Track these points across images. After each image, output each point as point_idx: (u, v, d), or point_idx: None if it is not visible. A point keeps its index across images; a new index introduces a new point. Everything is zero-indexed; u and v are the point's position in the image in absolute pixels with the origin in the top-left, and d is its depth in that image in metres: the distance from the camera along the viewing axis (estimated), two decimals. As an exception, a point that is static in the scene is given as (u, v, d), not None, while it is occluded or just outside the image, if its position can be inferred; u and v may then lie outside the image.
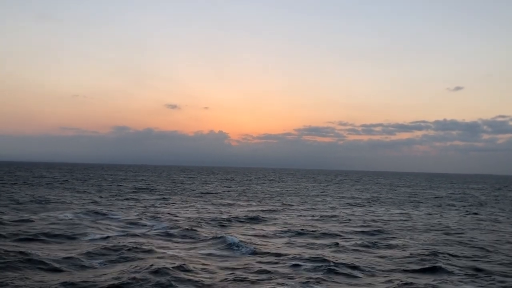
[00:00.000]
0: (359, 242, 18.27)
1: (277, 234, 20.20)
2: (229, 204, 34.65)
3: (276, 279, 12.32)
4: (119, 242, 16.38)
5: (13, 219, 21.40)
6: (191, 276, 12.28)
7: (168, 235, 18.82)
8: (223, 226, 22.33)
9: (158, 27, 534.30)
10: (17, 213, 24.34)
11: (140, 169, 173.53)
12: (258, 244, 17.16)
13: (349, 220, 26.14)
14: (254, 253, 15.74)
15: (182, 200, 36.82)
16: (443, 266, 14.20)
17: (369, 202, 41.11)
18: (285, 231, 20.89)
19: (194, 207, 31.45)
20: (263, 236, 19.67)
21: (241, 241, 17.29)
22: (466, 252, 17.05)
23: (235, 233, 19.36)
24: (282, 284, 11.75)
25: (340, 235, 20.17)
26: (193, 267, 13.28)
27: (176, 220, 23.27)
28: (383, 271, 13.78)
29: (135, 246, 15.71)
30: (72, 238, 17.61)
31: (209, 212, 28.12)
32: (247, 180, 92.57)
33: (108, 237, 17.79)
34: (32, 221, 21.12)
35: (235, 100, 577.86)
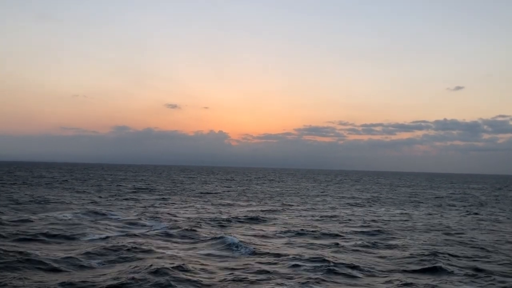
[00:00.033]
0: (359, 242, 18.23)
1: (276, 234, 20.16)
2: (229, 204, 34.62)
3: (275, 279, 12.28)
4: (118, 242, 16.34)
5: (12, 219, 21.38)
6: (190, 276, 12.25)
7: (167, 235, 18.78)
8: (222, 226, 22.29)
9: (158, 27, 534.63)
10: (16, 213, 24.31)
11: (140, 169, 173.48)
12: (257, 244, 17.12)
13: (349, 220, 26.10)
14: (253, 253, 15.70)
15: (182, 200, 36.79)
16: (443, 266, 14.17)
17: (369, 202, 41.07)
18: (285, 231, 20.86)
19: (193, 207, 31.42)
20: (263, 236, 19.64)
21: (240, 241, 17.25)
22: (466, 252, 17.02)
23: (235, 233, 19.32)
24: (282, 284, 11.71)
25: (340, 235, 20.13)
26: (192, 267, 13.24)
27: (176, 220, 23.24)
28: (383, 271, 13.74)
29: (134, 246, 15.67)
30: (71, 238, 17.58)
31: (209, 212, 28.08)
32: (247, 180, 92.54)
33: (107, 237, 17.75)
34: (31, 221, 21.09)
35: (235, 100, 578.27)
